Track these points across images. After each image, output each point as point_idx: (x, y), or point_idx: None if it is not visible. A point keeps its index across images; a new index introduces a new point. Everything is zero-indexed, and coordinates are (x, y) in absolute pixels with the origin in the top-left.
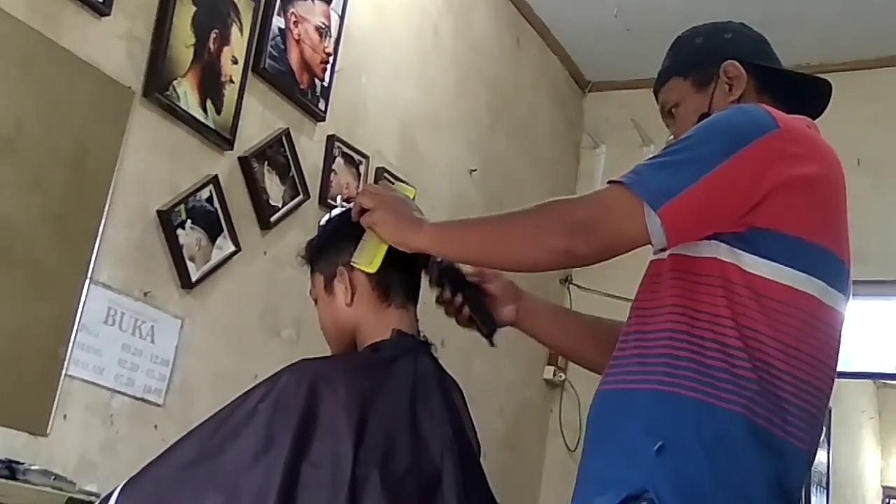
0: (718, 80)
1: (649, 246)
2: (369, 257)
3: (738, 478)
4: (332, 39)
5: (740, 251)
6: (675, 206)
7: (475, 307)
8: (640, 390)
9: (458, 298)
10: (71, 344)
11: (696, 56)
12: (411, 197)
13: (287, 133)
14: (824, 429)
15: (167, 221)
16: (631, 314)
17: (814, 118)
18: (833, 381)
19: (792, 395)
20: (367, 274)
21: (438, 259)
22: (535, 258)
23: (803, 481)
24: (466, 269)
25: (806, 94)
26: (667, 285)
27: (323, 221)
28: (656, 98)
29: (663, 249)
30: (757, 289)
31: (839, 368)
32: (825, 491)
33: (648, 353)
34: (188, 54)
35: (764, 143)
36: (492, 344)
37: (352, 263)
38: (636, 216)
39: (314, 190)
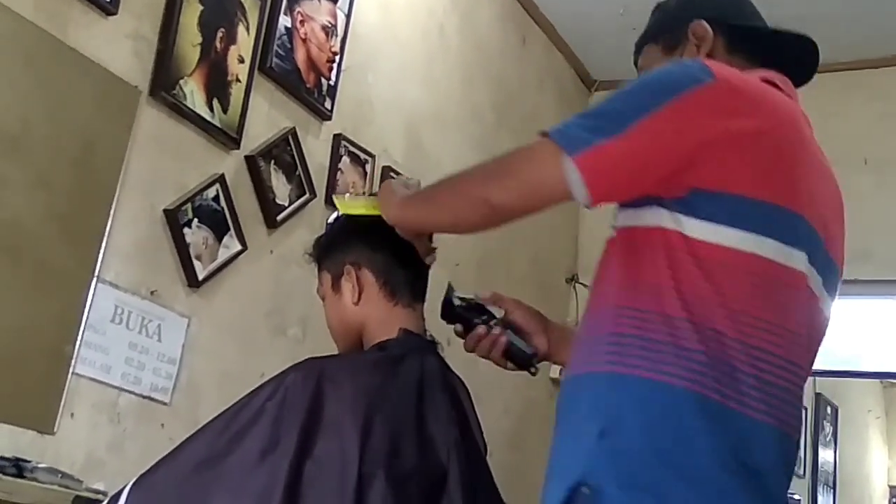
0: (687, 42)
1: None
2: (351, 204)
3: (684, 455)
4: (339, 38)
5: (682, 216)
6: (593, 155)
7: (513, 337)
8: (592, 373)
9: (496, 330)
10: (78, 342)
11: (667, 20)
12: None
13: (293, 132)
14: (830, 426)
15: (174, 220)
16: (588, 296)
17: (801, 78)
18: (804, 347)
19: (745, 363)
20: (371, 269)
21: (457, 301)
22: (461, 213)
23: (775, 456)
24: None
25: (790, 53)
26: (614, 260)
27: (331, 220)
28: (636, 69)
29: (614, 227)
30: (700, 254)
31: (846, 368)
32: (832, 490)
33: (599, 333)
34: (195, 53)
35: (695, 95)
36: (534, 373)
37: (333, 196)
38: (553, 163)
39: (320, 189)
